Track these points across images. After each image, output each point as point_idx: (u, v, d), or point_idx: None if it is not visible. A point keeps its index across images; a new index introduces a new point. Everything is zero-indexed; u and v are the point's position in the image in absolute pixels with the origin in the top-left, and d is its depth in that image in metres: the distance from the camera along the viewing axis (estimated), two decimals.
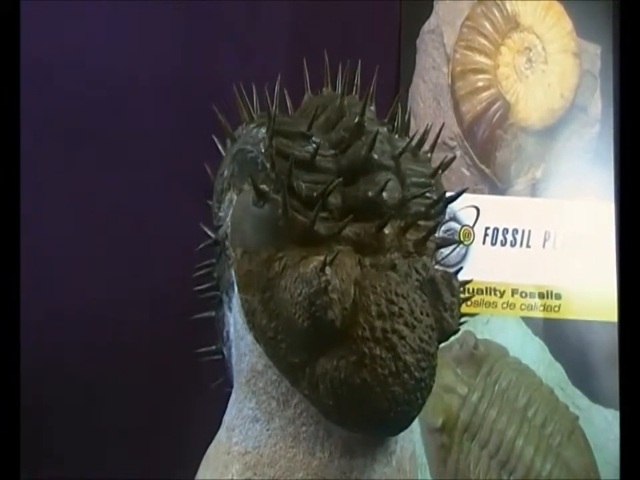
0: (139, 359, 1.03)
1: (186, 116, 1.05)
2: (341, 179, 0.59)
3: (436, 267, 0.63)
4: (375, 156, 0.60)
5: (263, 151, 0.60)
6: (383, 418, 0.56)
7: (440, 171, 0.65)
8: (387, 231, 0.59)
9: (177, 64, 1.08)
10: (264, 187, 0.59)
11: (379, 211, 0.59)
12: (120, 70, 1.06)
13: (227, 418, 0.65)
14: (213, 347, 0.69)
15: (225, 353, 0.68)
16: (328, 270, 0.55)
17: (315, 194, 0.58)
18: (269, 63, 1.08)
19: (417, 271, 0.60)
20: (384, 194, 0.59)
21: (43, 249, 1.02)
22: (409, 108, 0.99)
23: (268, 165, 0.59)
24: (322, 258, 0.56)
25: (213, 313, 0.68)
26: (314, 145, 0.60)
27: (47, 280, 1.02)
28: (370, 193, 0.59)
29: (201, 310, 0.69)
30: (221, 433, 0.65)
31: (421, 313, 0.57)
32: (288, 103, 0.68)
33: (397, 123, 0.66)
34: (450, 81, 1.14)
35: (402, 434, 0.61)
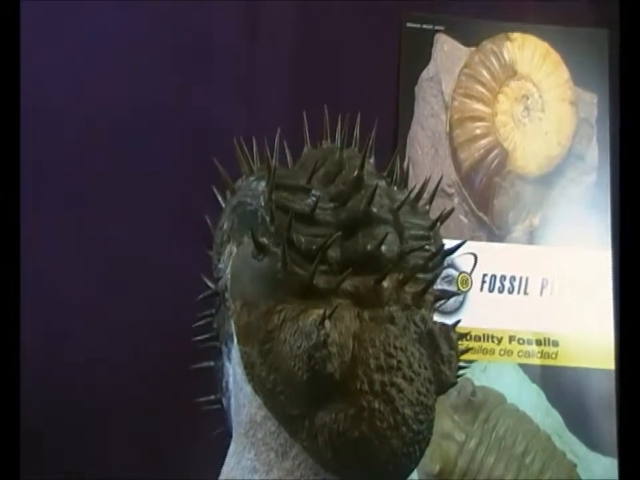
0: (138, 409, 1.03)
1: (187, 167, 1.05)
2: (340, 233, 0.60)
3: (434, 318, 0.63)
4: (374, 209, 0.60)
5: (262, 204, 0.61)
6: (381, 470, 0.56)
7: (438, 224, 0.65)
8: (385, 284, 0.59)
9: (178, 116, 1.08)
10: (263, 240, 0.59)
11: (378, 265, 0.59)
12: (120, 122, 1.07)
13: (225, 469, 0.65)
14: (212, 397, 0.69)
15: (224, 403, 0.68)
16: (327, 323, 0.55)
17: (314, 247, 0.59)
18: (268, 114, 1.08)
19: (415, 324, 0.60)
20: (382, 247, 0.59)
21: (42, 293, 1.02)
22: (407, 158, 1.00)
23: (267, 218, 0.60)
24: (321, 311, 0.56)
25: (212, 363, 0.68)
26: (313, 199, 0.61)
27: (47, 325, 1.03)
28: (369, 247, 0.59)
29: (201, 360, 0.69)
30: None
31: (419, 366, 0.58)
32: (288, 155, 0.68)
33: (396, 175, 0.67)
34: (448, 129, 1.15)
35: None
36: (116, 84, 1.08)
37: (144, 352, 1.04)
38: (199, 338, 0.69)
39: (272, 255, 0.59)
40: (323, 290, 0.58)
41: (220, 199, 0.69)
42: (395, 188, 0.65)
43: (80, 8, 1.08)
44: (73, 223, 1.05)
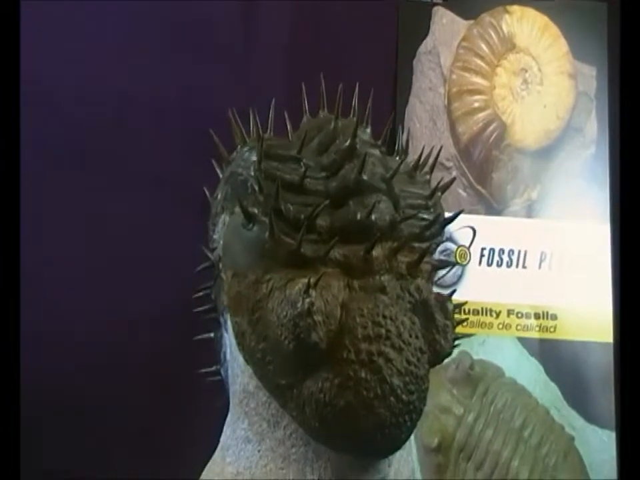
0: (140, 379, 1.03)
1: (188, 140, 1.05)
2: (327, 202, 0.60)
3: (432, 288, 0.63)
4: (365, 177, 0.60)
5: (252, 174, 0.60)
6: (369, 440, 0.56)
7: (438, 193, 0.65)
8: (375, 253, 0.59)
9: (178, 86, 1.09)
10: (253, 209, 0.59)
11: (369, 233, 0.59)
12: (120, 93, 1.07)
13: (222, 438, 0.65)
14: (214, 368, 0.69)
15: (223, 374, 0.68)
16: (312, 292, 0.55)
17: (302, 216, 0.59)
18: (268, 85, 1.08)
19: (409, 293, 0.59)
20: (372, 216, 0.59)
21: (42, 270, 1.02)
22: (408, 129, 0.99)
23: (256, 188, 0.60)
24: (307, 280, 0.56)
25: (212, 335, 0.69)
26: (304, 168, 0.61)
27: (46, 301, 1.03)
28: (358, 215, 0.59)
29: (203, 331, 0.70)
30: (217, 453, 0.66)
31: (410, 336, 0.57)
32: (288, 126, 0.68)
33: (398, 145, 0.67)
34: (446, 102, 1.14)
35: (397, 457, 0.61)
36: (116, 68, 1.08)
37: (145, 329, 1.04)
38: (199, 309, 0.69)
39: (261, 224, 0.59)
40: (310, 259, 0.58)
41: (218, 170, 0.69)
42: (397, 157, 0.66)
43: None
44: (74, 207, 1.05)
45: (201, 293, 0.69)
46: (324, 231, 0.59)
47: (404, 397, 0.56)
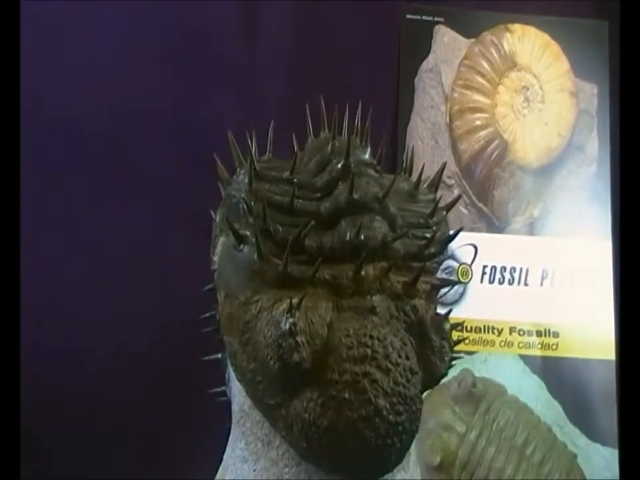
0: (149, 401, 1.04)
1: (195, 161, 1.05)
2: (313, 223, 0.60)
3: (436, 309, 0.62)
4: (356, 197, 0.60)
5: (243, 195, 0.61)
6: (355, 462, 0.56)
7: (442, 211, 0.65)
8: (365, 272, 0.59)
9: (183, 108, 1.09)
10: (245, 231, 0.59)
11: (359, 253, 0.58)
12: (120, 120, 1.08)
13: (224, 457, 0.66)
14: (223, 388, 0.69)
15: (228, 393, 0.68)
16: (296, 312, 0.55)
17: (290, 237, 0.59)
18: (269, 108, 1.09)
19: (405, 313, 0.59)
20: (362, 236, 0.59)
21: (43, 293, 1.03)
22: (411, 148, 1.00)
23: (247, 209, 0.60)
24: (289, 300, 0.56)
25: (220, 355, 0.69)
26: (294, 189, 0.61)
27: (47, 323, 1.03)
28: (348, 235, 0.59)
29: (211, 352, 0.70)
30: (219, 472, 0.66)
31: (399, 356, 0.57)
32: (296, 147, 0.68)
33: (405, 163, 0.67)
34: (448, 120, 1.15)
35: (398, 479, 0.61)
36: (116, 81, 1.08)
37: (147, 347, 1.05)
38: (206, 330, 0.69)
39: (250, 245, 0.59)
40: (298, 279, 0.58)
41: (223, 194, 0.69)
42: (410, 177, 0.66)
43: (79, 9, 1.08)
44: (73, 220, 1.06)
45: (207, 314, 0.69)
46: (314, 251, 0.59)
47: (391, 417, 0.55)
